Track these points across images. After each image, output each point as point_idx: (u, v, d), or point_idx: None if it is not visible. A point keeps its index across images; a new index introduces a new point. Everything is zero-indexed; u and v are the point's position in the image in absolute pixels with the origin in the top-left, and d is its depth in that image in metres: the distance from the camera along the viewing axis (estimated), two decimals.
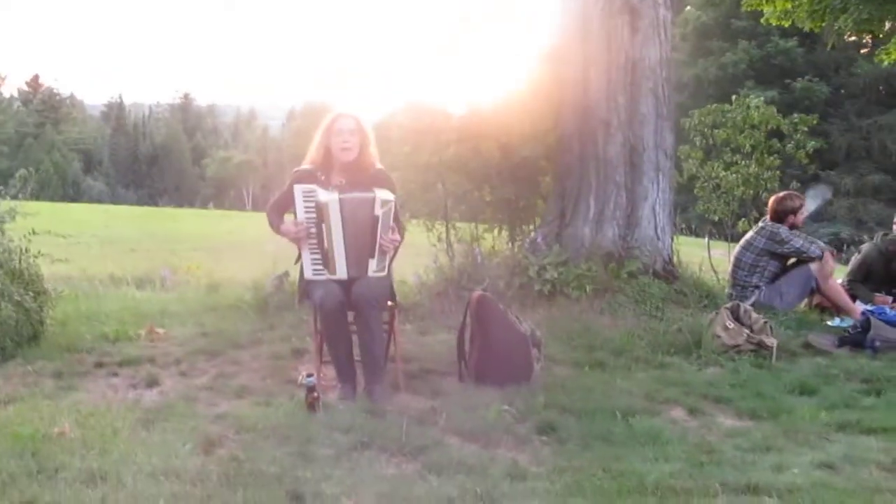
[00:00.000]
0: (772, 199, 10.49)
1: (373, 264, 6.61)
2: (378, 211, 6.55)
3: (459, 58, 11.09)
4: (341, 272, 6.57)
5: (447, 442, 5.59)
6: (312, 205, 6.56)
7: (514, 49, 11.22)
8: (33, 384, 6.81)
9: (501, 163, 10.94)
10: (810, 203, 9.90)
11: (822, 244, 10.28)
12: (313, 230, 6.59)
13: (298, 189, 6.61)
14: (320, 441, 5.45)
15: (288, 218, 6.81)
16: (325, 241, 6.55)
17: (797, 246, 9.96)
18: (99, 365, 7.50)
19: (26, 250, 8.23)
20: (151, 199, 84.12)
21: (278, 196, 6.96)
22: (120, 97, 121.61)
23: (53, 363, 7.37)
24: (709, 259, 12.78)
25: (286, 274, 9.95)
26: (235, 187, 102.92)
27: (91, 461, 4.86)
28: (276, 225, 6.81)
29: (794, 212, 10.26)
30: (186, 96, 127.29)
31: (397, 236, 6.80)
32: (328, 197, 6.53)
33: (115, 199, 79.98)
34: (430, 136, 11.09)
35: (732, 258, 10.50)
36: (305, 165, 6.97)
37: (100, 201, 72.35)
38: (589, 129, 10.18)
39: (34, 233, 8.28)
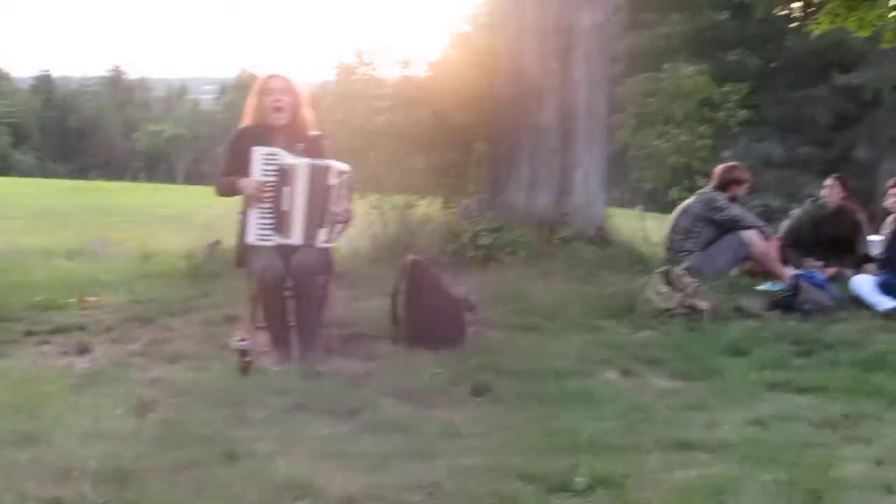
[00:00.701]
0: (719, 167, 10.55)
1: (322, 234, 6.60)
2: (333, 180, 6.55)
3: (392, 22, 11.06)
4: (297, 237, 6.55)
5: (382, 403, 5.56)
6: (274, 168, 6.53)
7: (448, 13, 11.22)
8: None
9: (435, 129, 10.92)
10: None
11: (759, 222, 10.32)
12: (268, 194, 6.55)
13: (258, 151, 6.56)
14: (254, 403, 5.41)
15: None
16: (285, 204, 6.51)
17: (733, 214, 10.02)
18: (29, 333, 7.41)
19: None
20: (81, 173, 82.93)
21: (223, 165, 6.95)
22: (49, 71, 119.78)
23: None
24: (642, 228, 12.83)
25: (218, 242, 9.89)
26: (167, 161, 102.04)
27: (21, 424, 4.79)
28: (232, 182, 6.70)
29: (739, 183, 10.33)
30: (116, 69, 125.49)
31: (351, 206, 6.80)
32: (297, 161, 6.55)
33: (44, 174, 78.80)
34: (363, 102, 11.05)
35: (670, 221, 10.54)
36: (245, 124, 6.97)
37: (29, 175, 71.35)
38: (522, 95, 10.20)
39: None
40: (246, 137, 6.80)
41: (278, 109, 6.79)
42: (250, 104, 6.98)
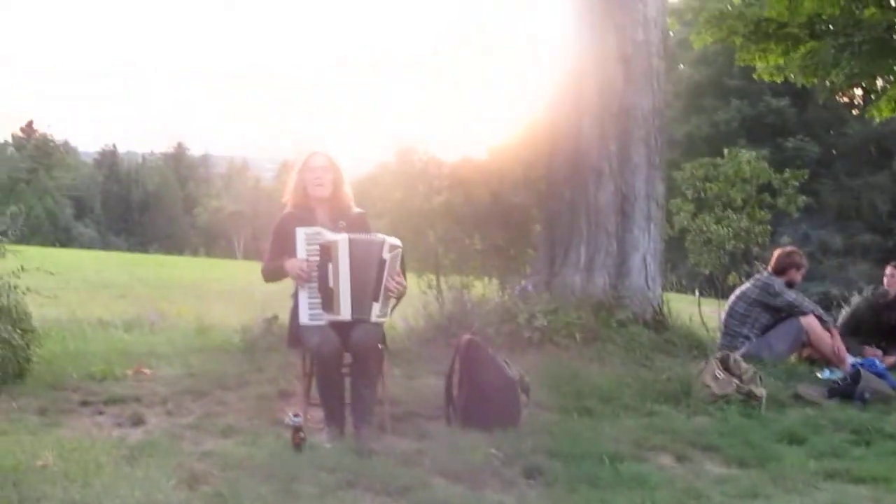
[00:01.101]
0: (778, 251, 10.48)
1: (376, 308, 6.60)
2: (386, 255, 6.57)
3: (452, 105, 11.11)
4: (345, 312, 6.54)
5: (433, 483, 5.54)
6: (316, 247, 6.57)
7: (506, 96, 11.26)
8: (17, 420, 6.77)
9: (492, 210, 10.95)
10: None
11: (817, 308, 10.24)
12: (315, 273, 6.58)
13: (301, 232, 6.62)
14: (305, 479, 5.39)
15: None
16: (331, 281, 6.52)
17: (789, 300, 9.94)
18: (84, 403, 7.48)
19: (14, 287, 8.19)
20: (142, 247, 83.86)
21: (269, 251, 7.00)
22: (114, 145, 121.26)
23: (38, 400, 7.33)
24: (699, 313, 12.75)
25: (275, 317, 9.93)
26: (226, 237, 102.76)
27: (73, 493, 4.81)
28: (278, 267, 6.78)
29: (798, 268, 10.25)
30: (180, 145, 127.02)
31: (404, 281, 6.80)
32: (337, 236, 6.56)
33: (105, 246, 79.69)
34: (422, 182, 11.12)
35: (726, 307, 10.48)
36: (287, 209, 7.02)
37: (90, 247, 72.15)
38: (580, 176, 10.18)
39: (23, 269, 8.22)
40: (289, 222, 6.85)
41: (319, 185, 6.85)
42: (292, 180, 7.06)
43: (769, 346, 9.85)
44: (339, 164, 7.02)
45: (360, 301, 6.55)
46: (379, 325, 6.69)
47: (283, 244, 6.76)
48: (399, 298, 6.87)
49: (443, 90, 11.62)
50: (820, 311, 10.12)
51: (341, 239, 6.52)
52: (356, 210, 7.05)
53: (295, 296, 6.80)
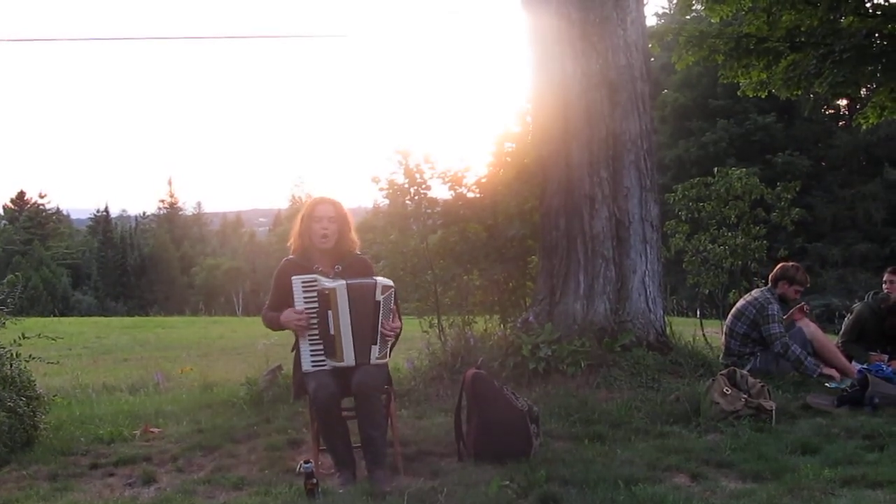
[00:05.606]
0: (781, 264, 10.41)
1: (375, 351, 6.60)
2: (379, 297, 6.58)
3: (441, 140, 11.12)
4: (349, 359, 6.54)
5: None
6: (314, 294, 6.58)
7: (494, 129, 11.28)
8: (28, 487, 6.76)
9: (488, 244, 10.97)
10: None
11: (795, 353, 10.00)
12: (314, 320, 6.58)
13: (297, 281, 6.63)
14: None
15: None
16: (332, 328, 6.53)
17: (771, 332, 9.84)
18: (94, 466, 7.46)
19: (17, 355, 8.17)
20: (142, 310, 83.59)
21: (270, 298, 6.98)
22: (106, 209, 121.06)
23: (48, 466, 7.32)
24: (702, 335, 12.74)
25: (279, 367, 9.93)
26: (225, 293, 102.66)
27: None
28: (275, 319, 6.79)
29: (801, 284, 10.17)
30: (172, 206, 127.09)
31: (398, 322, 6.81)
32: (335, 283, 6.57)
33: (104, 312, 79.50)
34: (416, 222, 11.13)
35: (725, 327, 10.43)
36: (290, 256, 7.00)
37: (89, 314, 71.97)
38: (574, 204, 10.17)
39: (24, 337, 8.21)
40: (288, 270, 6.85)
41: (325, 237, 6.84)
42: (297, 226, 7.03)
43: (775, 359, 9.83)
44: (344, 211, 7.02)
45: (362, 346, 6.55)
46: (380, 367, 6.69)
47: (283, 292, 6.76)
48: (396, 338, 6.86)
49: (429, 127, 11.66)
50: (793, 358, 9.90)
51: (339, 286, 6.53)
52: (356, 254, 7.04)
53: (296, 347, 6.79)
